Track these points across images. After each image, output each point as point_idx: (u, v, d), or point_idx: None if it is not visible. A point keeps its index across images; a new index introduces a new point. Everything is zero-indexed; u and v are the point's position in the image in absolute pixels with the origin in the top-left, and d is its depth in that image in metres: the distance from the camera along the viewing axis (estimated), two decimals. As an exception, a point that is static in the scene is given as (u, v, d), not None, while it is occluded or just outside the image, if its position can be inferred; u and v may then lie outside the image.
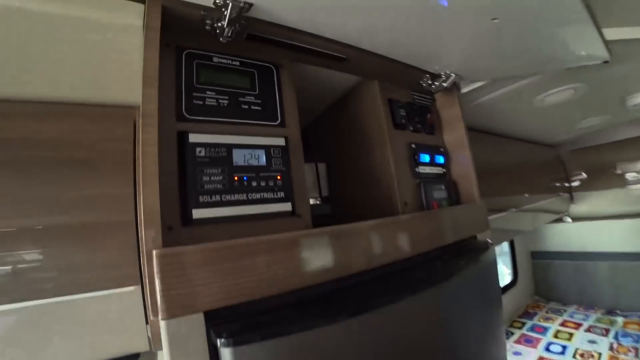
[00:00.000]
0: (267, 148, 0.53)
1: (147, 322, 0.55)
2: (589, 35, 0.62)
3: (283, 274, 0.43)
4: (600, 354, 1.57)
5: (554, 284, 2.54)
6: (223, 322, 0.39)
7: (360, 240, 0.52)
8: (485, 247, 0.73)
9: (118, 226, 0.58)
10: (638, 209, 2.22)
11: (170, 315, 0.36)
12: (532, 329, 1.97)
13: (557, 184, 2.34)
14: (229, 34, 0.50)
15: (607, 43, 0.65)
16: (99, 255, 0.55)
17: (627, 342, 1.63)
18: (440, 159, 0.80)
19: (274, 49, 0.57)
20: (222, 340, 0.36)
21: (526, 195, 1.70)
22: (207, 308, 0.38)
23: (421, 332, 0.53)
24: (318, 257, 0.47)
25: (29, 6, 0.42)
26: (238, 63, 0.56)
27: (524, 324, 2.05)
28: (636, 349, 1.54)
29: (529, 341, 1.83)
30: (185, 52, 0.52)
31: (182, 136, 0.48)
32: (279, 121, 0.56)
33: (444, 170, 0.81)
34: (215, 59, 0.54)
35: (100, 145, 0.59)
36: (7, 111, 0.55)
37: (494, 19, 0.54)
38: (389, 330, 0.48)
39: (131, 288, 0.56)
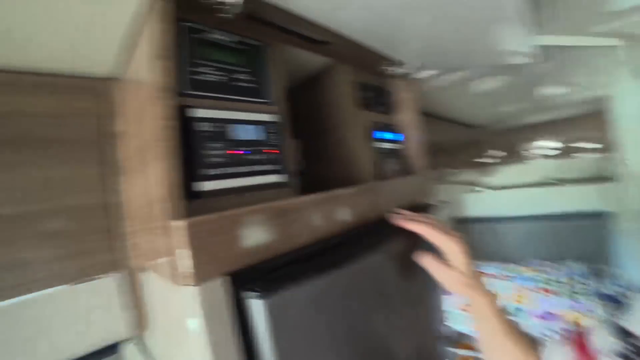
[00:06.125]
0: (265, 124, 0.57)
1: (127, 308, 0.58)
2: (520, 39, 0.76)
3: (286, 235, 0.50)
4: (508, 294, 2.14)
5: (475, 245, 3.00)
6: (248, 281, 0.44)
7: (343, 204, 0.60)
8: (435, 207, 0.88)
9: (87, 210, 0.58)
10: (536, 179, 2.82)
11: (200, 280, 0.40)
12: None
13: (477, 159, 2.77)
14: (234, 12, 0.52)
15: (534, 47, 0.80)
16: (70, 242, 0.54)
17: (528, 284, 2.21)
18: (397, 137, 0.91)
19: (267, 29, 0.60)
20: (253, 294, 0.42)
21: (458, 169, 1.99)
22: (231, 270, 0.43)
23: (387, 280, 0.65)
24: (315, 219, 0.54)
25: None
26: (236, 41, 0.58)
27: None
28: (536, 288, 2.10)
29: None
30: (186, 26, 0.52)
31: (183, 110, 0.50)
32: (270, 100, 0.61)
33: (399, 146, 0.92)
34: (214, 35, 0.55)
35: (64, 121, 0.58)
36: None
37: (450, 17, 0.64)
38: (368, 277, 0.59)
39: (107, 275, 0.58)
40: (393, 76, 0.90)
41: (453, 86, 1.25)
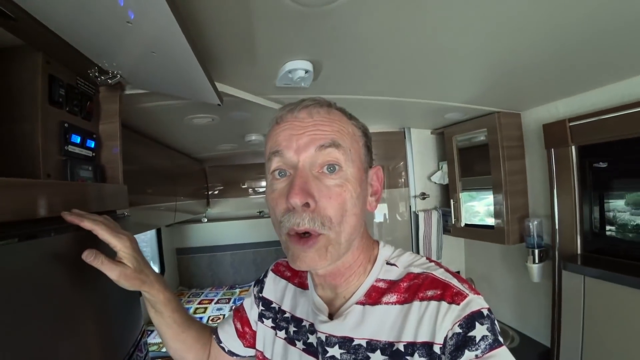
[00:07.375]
0: None
1: None
2: (205, 84, 0.94)
3: None
4: (224, 315, 2.56)
5: (194, 274, 3.35)
6: None
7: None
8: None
9: None
10: (252, 212, 3.44)
11: None
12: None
13: (200, 191, 3.01)
14: None
15: (219, 93, 1.02)
16: None
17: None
18: (91, 144, 0.91)
19: None
20: None
21: (176, 196, 2.11)
22: None
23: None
24: None
25: None
26: None
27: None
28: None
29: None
30: None
31: None
32: None
33: (94, 154, 0.92)
34: None
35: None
36: None
37: (152, 52, 0.76)
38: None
39: None
40: (98, 83, 0.91)
41: (171, 112, 1.37)
